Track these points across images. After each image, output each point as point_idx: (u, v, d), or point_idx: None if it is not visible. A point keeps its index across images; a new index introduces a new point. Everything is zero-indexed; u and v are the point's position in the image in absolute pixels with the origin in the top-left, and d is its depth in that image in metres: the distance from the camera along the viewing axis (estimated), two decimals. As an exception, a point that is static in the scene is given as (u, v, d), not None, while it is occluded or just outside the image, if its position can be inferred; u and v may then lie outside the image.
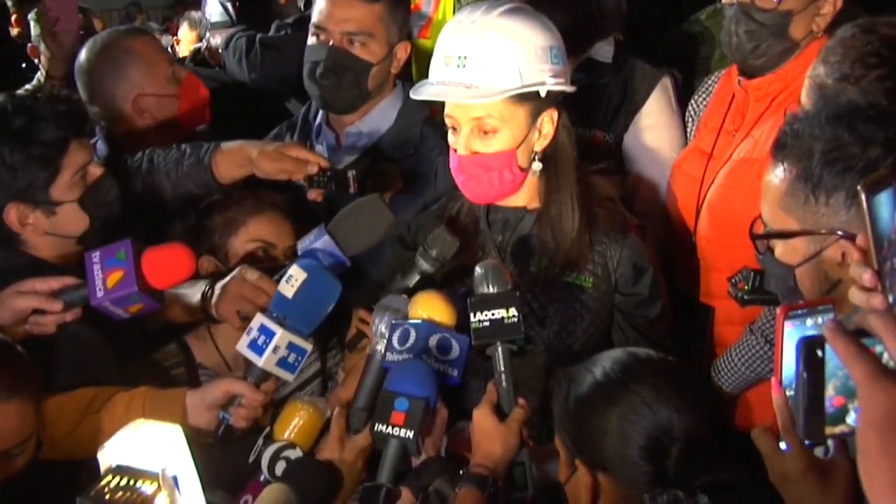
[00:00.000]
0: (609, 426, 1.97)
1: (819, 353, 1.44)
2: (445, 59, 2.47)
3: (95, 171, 2.63)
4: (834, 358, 1.40)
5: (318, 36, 3.05)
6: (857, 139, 1.83)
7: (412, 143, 3.09)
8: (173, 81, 3.25)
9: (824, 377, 1.44)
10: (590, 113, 3.27)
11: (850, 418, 1.46)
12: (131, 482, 1.57)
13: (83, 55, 3.31)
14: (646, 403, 1.95)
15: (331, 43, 3.01)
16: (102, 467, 1.62)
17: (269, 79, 3.76)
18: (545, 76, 2.46)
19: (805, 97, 2.49)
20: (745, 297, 2.43)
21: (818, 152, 1.84)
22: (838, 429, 1.50)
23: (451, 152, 2.53)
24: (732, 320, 2.86)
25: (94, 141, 3.24)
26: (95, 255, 2.39)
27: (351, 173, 2.78)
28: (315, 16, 3.05)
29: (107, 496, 1.55)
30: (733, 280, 2.45)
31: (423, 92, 2.51)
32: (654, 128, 3.31)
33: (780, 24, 2.81)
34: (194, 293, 2.67)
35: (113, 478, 1.58)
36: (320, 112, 3.24)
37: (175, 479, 1.58)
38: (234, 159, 2.83)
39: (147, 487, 1.56)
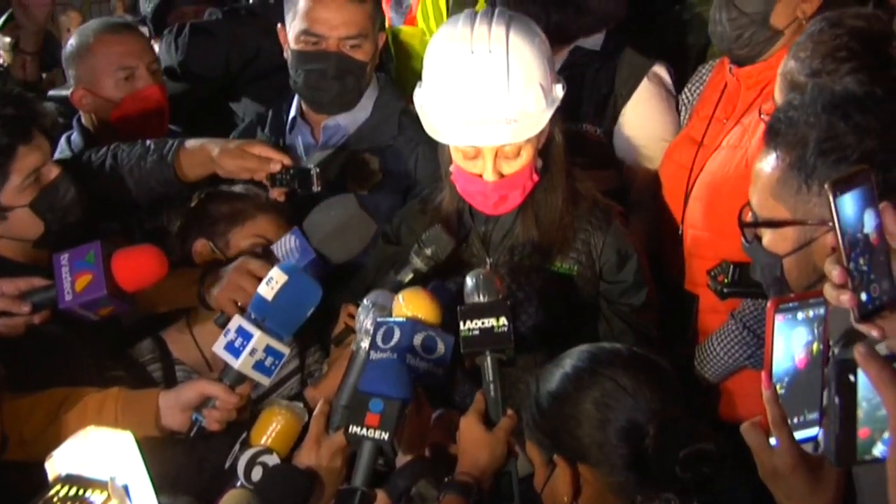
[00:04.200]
0: (584, 412, 1.95)
1: (851, 377, 1.39)
2: (470, 95, 2.38)
3: (50, 172, 2.53)
4: (863, 385, 1.38)
5: (309, 42, 2.95)
6: (852, 129, 1.78)
7: (390, 134, 3.03)
8: (122, 88, 3.12)
9: (857, 402, 1.39)
10: (578, 106, 3.20)
11: (878, 450, 1.40)
12: (80, 492, 1.50)
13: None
14: (619, 386, 1.95)
15: (331, 49, 2.94)
16: (50, 476, 1.54)
17: (196, 62, 3.64)
18: (557, 86, 2.47)
19: (778, 94, 2.47)
20: (725, 289, 2.42)
21: (813, 141, 1.79)
22: (866, 457, 1.44)
23: (471, 177, 2.47)
24: (717, 309, 2.81)
25: (68, 134, 3.19)
26: (64, 258, 2.33)
27: (315, 171, 2.72)
28: (302, 22, 2.94)
29: (55, 506, 1.47)
30: (712, 273, 2.43)
31: (457, 136, 2.44)
32: (643, 118, 3.23)
33: (763, 12, 2.78)
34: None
35: (61, 487, 1.51)
36: (294, 105, 3.17)
37: (126, 487, 1.50)
38: (197, 158, 2.75)
39: (96, 497, 1.49)
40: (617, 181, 3.17)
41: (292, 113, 3.16)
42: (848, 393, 1.38)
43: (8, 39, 4.05)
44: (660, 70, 3.26)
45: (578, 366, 2.00)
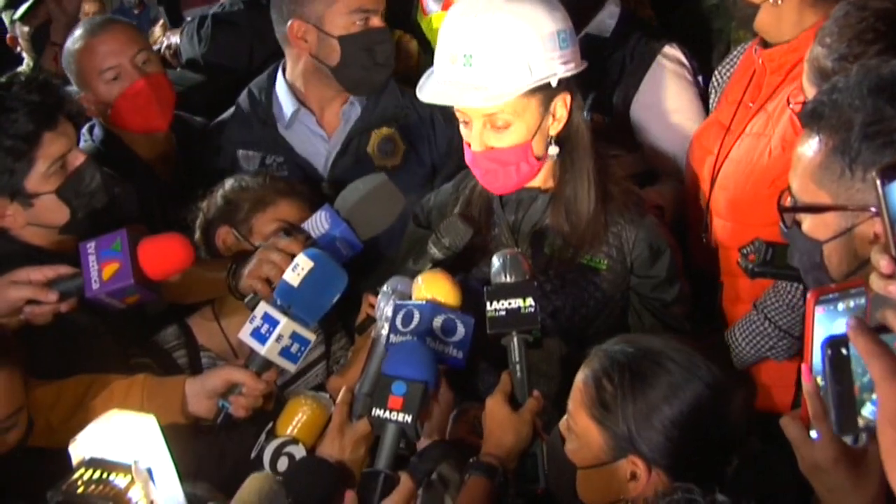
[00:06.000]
0: (687, 428, 1.94)
1: (844, 350, 1.41)
2: (451, 57, 2.38)
3: (76, 159, 2.52)
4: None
5: (357, 22, 2.96)
6: None
7: (396, 104, 3.04)
8: (113, 89, 3.10)
9: (852, 373, 1.41)
10: (586, 95, 3.03)
11: (867, 410, 1.41)
12: (104, 475, 1.52)
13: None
14: (721, 408, 1.97)
15: (378, 25, 2.97)
16: (74, 460, 1.56)
17: (220, 53, 3.67)
18: (555, 64, 2.39)
19: (806, 81, 2.41)
20: (755, 269, 2.36)
21: (858, 125, 1.72)
22: (861, 421, 1.45)
23: (465, 146, 2.47)
24: (741, 298, 2.78)
25: (90, 125, 3.20)
26: (90, 246, 2.34)
27: None
28: (354, 0, 2.95)
29: (79, 490, 1.50)
30: (744, 251, 2.38)
31: (430, 94, 2.45)
32: (661, 94, 3.18)
33: None
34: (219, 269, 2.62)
35: (85, 471, 1.53)
36: (286, 99, 3.13)
37: (149, 470, 1.52)
38: None
39: (120, 480, 1.51)
40: (641, 165, 3.13)
41: (291, 106, 3.12)
42: (841, 367, 1.40)
43: (27, 29, 4.08)
44: (671, 49, 3.21)
45: (685, 378, 1.98)
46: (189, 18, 3.80)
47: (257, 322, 2.31)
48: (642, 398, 1.96)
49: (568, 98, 2.44)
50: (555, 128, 2.46)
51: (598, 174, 2.51)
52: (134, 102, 3.12)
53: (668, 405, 1.95)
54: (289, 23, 3.01)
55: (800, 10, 2.72)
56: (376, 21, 2.97)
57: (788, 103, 2.52)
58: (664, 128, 3.18)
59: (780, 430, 1.62)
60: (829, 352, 1.41)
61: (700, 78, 3.27)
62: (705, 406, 1.95)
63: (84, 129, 3.15)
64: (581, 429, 2.03)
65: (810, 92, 2.36)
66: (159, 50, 3.96)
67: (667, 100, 3.19)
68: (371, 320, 2.54)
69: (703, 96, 3.23)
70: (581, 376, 2.06)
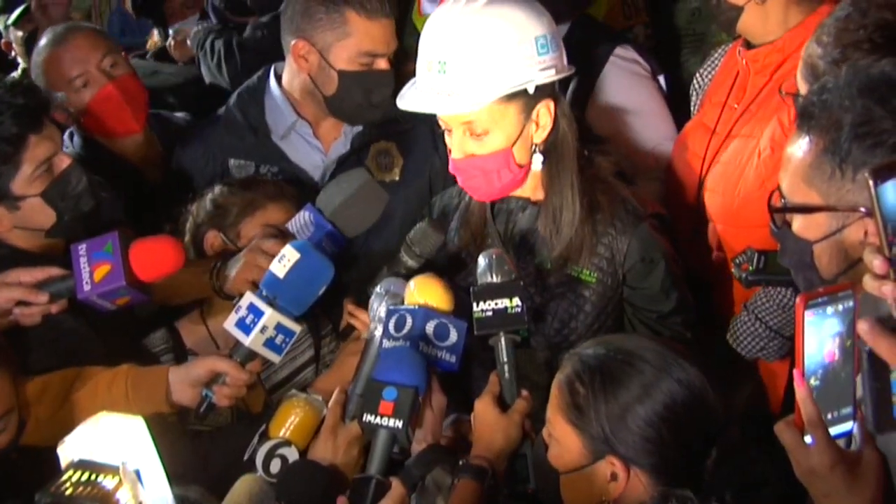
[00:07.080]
0: (660, 422, 1.95)
1: None
2: (427, 64, 2.36)
3: (62, 162, 2.51)
4: None
5: (364, 62, 2.93)
6: (889, 113, 1.71)
7: (405, 119, 2.98)
8: (84, 96, 3.11)
9: (889, 371, 1.45)
10: None
11: None
12: (92, 477, 1.52)
13: None
14: (701, 402, 1.97)
15: (384, 67, 2.95)
16: (63, 462, 1.56)
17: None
18: (532, 71, 2.33)
19: (800, 76, 2.40)
20: (750, 278, 2.36)
21: (848, 125, 1.72)
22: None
23: (448, 153, 2.46)
24: (733, 300, 2.78)
25: (71, 131, 3.19)
26: (82, 248, 2.34)
27: None
28: (366, 43, 2.91)
29: (67, 491, 1.50)
30: (737, 261, 2.38)
31: (407, 101, 2.43)
32: (623, 99, 3.20)
33: None
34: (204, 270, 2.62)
35: (74, 473, 1.53)
36: (283, 105, 3.08)
37: (138, 472, 1.51)
38: None
39: (108, 482, 1.51)
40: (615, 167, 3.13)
41: (288, 117, 3.07)
42: (878, 366, 1.43)
43: (20, 34, 4.08)
44: (624, 50, 3.24)
45: (657, 377, 1.98)
46: (173, 30, 3.80)
47: (242, 312, 2.32)
48: (614, 399, 1.96)
49: (552, 105, 2.40)
50: (539, 135, 2.42)
51: (585, 184, 2.47)
52: (105, 107, 3.12)
53: (641, 405, 1.95)
54: (294, 40, 2.97)
55: (785, 9, 2.73)
56: (382, 64, 2.94)
57: (781, 94, 2.51)
58: (631, 124, 3.18)
59: (771, 431, 1.63)
60: (868, 352, 1.43)
61: (661, 78, 3.31)
62: (680, 404, 1.95)
63: (65, 136, 3.14)
64: (559, 434, 2.03)
65: (803, 87, 2.35)
66: (163, 48, 3.95)
67: (628, 98, 3.20)
68: (353, 327, 2.56)
69: (665, 96, 3.26)
70: (556, 381, 2.07)
